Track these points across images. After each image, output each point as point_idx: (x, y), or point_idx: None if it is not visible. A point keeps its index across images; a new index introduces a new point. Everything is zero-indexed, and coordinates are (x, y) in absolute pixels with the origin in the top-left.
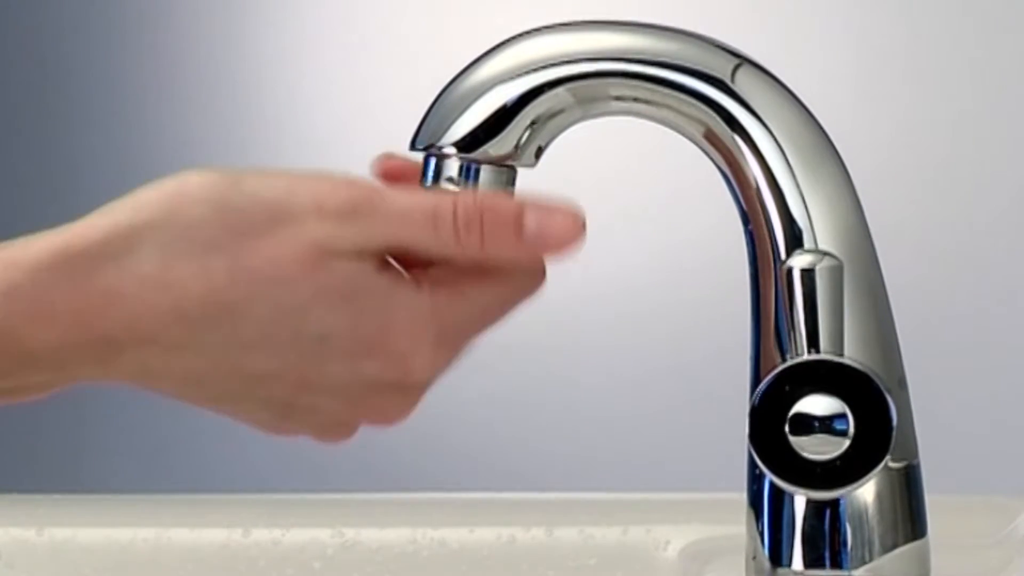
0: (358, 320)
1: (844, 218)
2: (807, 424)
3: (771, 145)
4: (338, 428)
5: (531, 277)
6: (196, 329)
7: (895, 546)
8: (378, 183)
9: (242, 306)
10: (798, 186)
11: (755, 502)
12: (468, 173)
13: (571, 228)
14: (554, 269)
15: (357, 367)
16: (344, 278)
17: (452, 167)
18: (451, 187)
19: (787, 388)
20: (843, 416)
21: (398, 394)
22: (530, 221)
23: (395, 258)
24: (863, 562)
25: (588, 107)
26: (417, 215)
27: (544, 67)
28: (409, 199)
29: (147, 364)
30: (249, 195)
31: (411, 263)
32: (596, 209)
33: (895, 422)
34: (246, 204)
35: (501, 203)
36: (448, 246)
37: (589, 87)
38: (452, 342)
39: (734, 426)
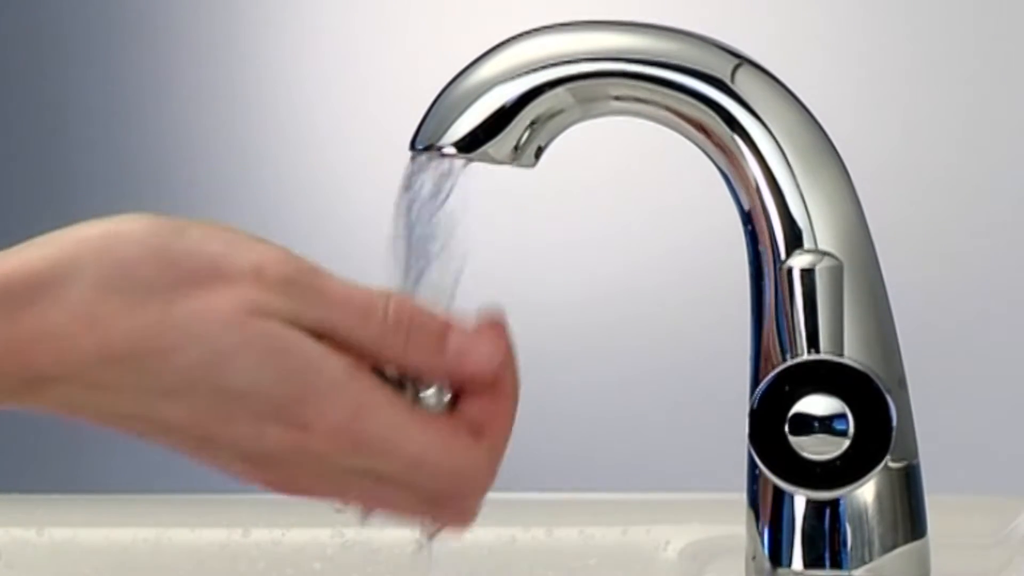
0: (278, 378)
1: (844, 218)
2: (807, 424)
3: (771, 145)
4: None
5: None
6: (118, 370)
7: (895, 546)
8: (319, 264)
9: (166, 354)
10: (798, 186)
11: (755, 502)
12: None
13: (489, 358)
14: (552, 273)
15: (262, 430)
16: (273, 335)
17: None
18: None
19: (787, 388)
20: (843, 416)
21: (299, 465)
22: (452, 342)
23: (325, 338)
24: (863, 562)
25: (588, 107)
26: (351, 304)
27: (544, 67)
28: (346, 288)
29: (70, 399)
30: (191, 244)
31: (340, 347)
32: (596, 209)
33: (895, 422)
34: (186, 253)
35: (431, 316)
36: (374, 341)
37: (589, 87)
38: (365, 428)
39: (734, 426)
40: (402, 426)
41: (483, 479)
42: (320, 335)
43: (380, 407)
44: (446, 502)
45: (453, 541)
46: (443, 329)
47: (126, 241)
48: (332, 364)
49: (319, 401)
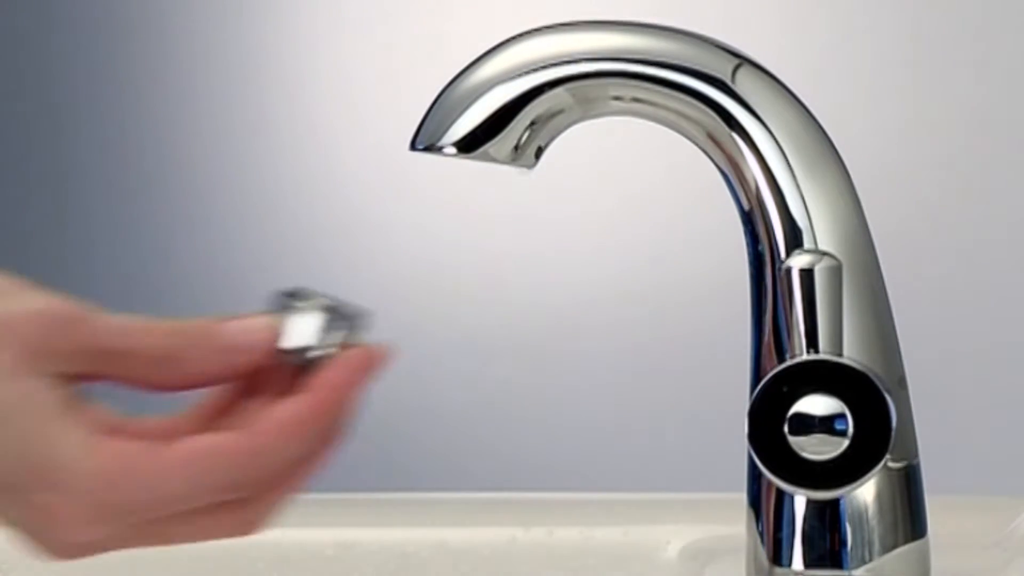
0: (18, 452)
1: (844, 218)
2: (806, 424)
3: (771, 145)
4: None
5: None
6: None
7: (895, 546)
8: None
9: None
10: (798, 186)
11: (755, 502)
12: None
13: (260, 329)
14: (552, 273)
15: (15, 508)
16: (21, 403)
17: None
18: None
19: (786, 388)
20: (842, 416)
21: (56, 542)
22: (222, 328)
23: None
24: (863, 562)
25: (588, 107)
26: (132, 325)
27: (544, 67)
28: (125, 317)
29: None
30: None
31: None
32: (595, 209)
33: (895, 422)
34: None
35: (208, 319)
36: (156, 351)
37: (589, 87)
38: (112, 513)
39: (734, 426)
40: (158, 481)
41: (255, 474)
42: (93, 377)
43: (127, 470)
44: (236, 510)
45: (453, 542)
46: (217, 322)
47: None
48: (71, 440)
49: (55, 484)
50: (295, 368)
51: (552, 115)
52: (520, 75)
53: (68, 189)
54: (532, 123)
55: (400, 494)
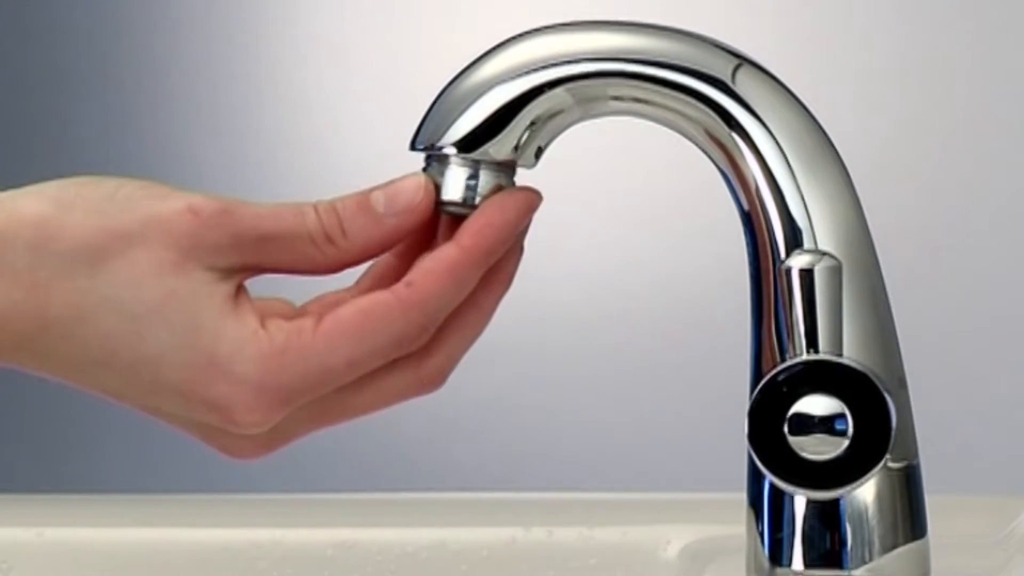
0: (185, 343)
1: (844, 218)
2: (806, 424)
3: (771, 145)
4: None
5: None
6: (53, 338)
7: (895, 546)
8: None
9: (88, 321)
10: (798, 186)
11: (755, 502)
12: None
13: (415, 188)
14: (553, 273)
15: (189, 408)
16: (184, 294)
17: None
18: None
19: (786, 388)
20: (842, 416)
21: (238, 438)
22: (376, 194)
23: (257, 271)
24: (863, 562)
25: (588, 107)
26: (284, 210)
27: (544, 67)
28: (274, 203)
29: (21, 364)
30: (126, 196)
31: (282, 269)
32: (596, 209)
33: (894, 422)
34: (121, 206)
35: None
36: (314, 233)
37: (589, 87)
38: (285, 394)
39: (734, 426)
40: (321, 352)
41: (416, 326)
42: (253, 268)
43: (290, 348)
44: (413, 367)
45: (453, 542)
46: (363, 194)
47: (63, 208)
48: (237, 330)
49: (225, 374)
50: (456, 221)
51: (552, 115)
52: (520, 75)
53: None
54: (532, 123)
55: (400, 494)
